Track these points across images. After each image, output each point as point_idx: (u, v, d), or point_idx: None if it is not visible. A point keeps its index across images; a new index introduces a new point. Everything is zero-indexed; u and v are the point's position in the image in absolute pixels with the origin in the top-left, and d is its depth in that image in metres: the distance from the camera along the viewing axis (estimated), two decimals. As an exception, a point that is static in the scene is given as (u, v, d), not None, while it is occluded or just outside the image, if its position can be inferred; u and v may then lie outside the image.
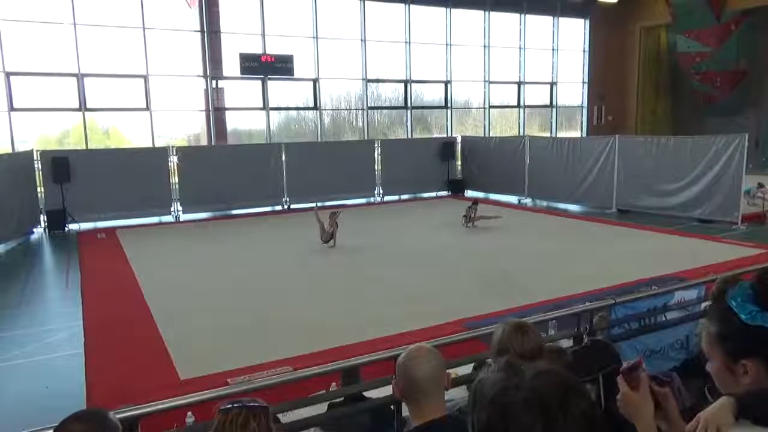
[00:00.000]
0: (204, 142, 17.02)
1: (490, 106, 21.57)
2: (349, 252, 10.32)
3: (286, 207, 15.57)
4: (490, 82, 21.20)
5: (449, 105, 20.59)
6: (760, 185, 13.53)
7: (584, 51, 23.32)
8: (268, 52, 16.83)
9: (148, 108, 15.68)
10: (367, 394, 3.52)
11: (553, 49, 22.56)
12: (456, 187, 17.85)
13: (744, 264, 7.53)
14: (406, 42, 19.20)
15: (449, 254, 9.98)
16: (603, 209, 14.09)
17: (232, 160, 14.80)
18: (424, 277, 8.59)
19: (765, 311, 1.37)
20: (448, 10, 19.76)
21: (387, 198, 17.09)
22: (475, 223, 12.03)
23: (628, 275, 7.86)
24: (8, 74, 13.87)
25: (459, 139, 18.77)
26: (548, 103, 23.12)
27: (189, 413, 3.64)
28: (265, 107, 17.42)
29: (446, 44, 20.02)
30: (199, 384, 4.75)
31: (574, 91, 23.72)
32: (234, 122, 17.65)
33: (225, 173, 14.47)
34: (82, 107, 14.93)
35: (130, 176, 13.46)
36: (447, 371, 2.03)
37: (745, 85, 21.21)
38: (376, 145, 17.24)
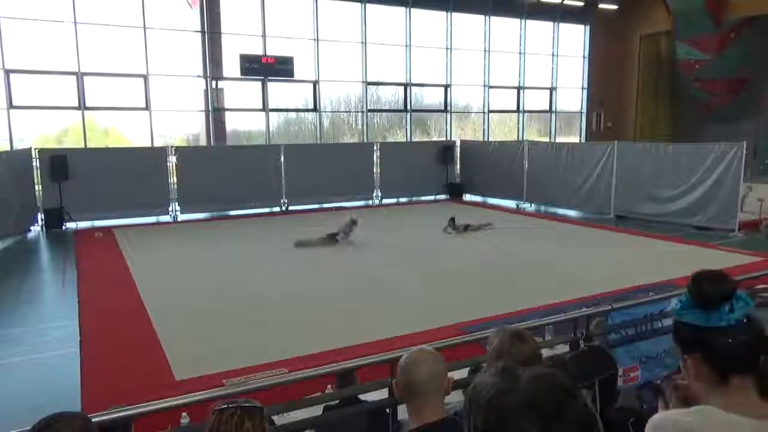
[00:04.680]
0: (203, 142, 17.02)
1: (490, 111, 21.60)
2: (346, 254, 10.32)
3: (284, 209, 15.56)
4: (490, 87, 21.24)
5: (449, 109, 20.61)
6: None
7: (584, 57, 23.38)
8: (268, 53, 16.85)
9: (147, 108, 15.68)
10: (363, 396, 3.52)
11: (552, 55, 22.61)
12: (455, 191, 17.85)
13: (740, 272, 7.52)
14: (406, 45, 19.24)
15: (447, 258, 9.98)
16: (601, 215, 14.10)
17: (230, 161, 14.79)
18: (422, 280, 8.58)
19: (694, 309, 1.43)
20: (449, 14, 19.80)
21: (385, 201, 17.09)
22: (469, 231, 12.09)
23: (625, 281, 7.86)
24: (8, 72, 13.87)
25: (458, 143, 18.79)
26: (548, 108, 23.16)
27: (184, 414, 3.62)
28: (265, 108, 17.43)
29: (446, 48, 20.06)
30: (195, 384, 4.74)
31: (573, 97, 23.78)
32: (233, 123, 17.66)
33: (223, 174, 14.46)
34: (82, 106, 14.92)
35: (128, 176, 13.44)
36: (448, 376, 2.04)
37: (745, 93, 21.27)
38: (375, 148, 17.25)
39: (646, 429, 1.40)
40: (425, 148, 18.14)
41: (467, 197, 17.83)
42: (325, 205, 15.68)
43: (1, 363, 5.75)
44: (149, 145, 15.60)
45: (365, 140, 18.77)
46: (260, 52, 16.78)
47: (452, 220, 12.27)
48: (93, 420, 2.14)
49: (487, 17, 20.57)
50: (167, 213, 14.37)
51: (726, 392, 1.39)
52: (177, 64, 16.21)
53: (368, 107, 19.11)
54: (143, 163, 13.89)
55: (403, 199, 17.44)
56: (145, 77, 15.52)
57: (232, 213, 14.97)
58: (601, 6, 21.98)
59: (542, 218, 14.62)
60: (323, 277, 8.87)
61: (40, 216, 13.06)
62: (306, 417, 3.17)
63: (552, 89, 22.92)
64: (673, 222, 12.62)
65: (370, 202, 16.96)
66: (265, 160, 15.31)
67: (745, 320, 1.41)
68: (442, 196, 17.73)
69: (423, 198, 17.59)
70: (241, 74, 16.52)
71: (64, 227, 12.87)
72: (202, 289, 8.07)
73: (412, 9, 19.06)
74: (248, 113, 17.77)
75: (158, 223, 13.99)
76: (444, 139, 19.98)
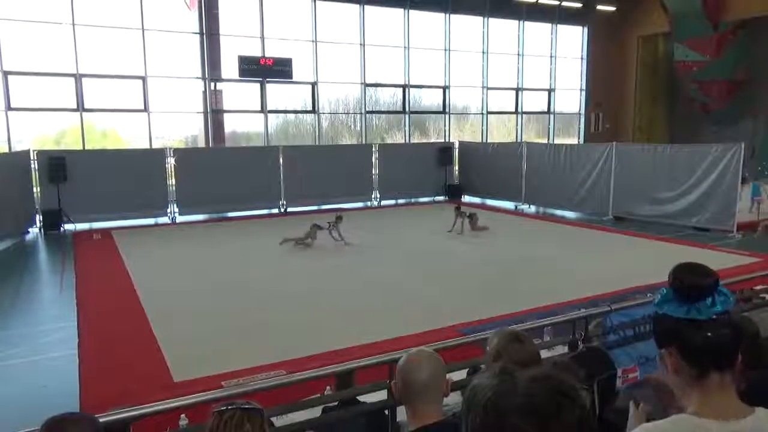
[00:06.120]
0: (202, 144, 17.01)
1: (488, 112, 21.62)
2: (344, 255, 10.32)
3: (282, 210, 15.55)
4: (488, 88, 21.25)
5: (447, 110, 20.62)
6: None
7: (582, 58, 23.41)
8: (267, 54, 16.84)
9: (146, 109, 15.67)
10: (362, 398, 3.52)
11: (551, 56, 22.63)
12: (453, 192, 17.85)
13: (738, 273, 7.54)
14: (405, 47, 19.24)
15: (445, 260, 9.98)
16: (599, 216, 14.11)
17: (229, 163, 14.78)
18: (420, 281, 8.59)
19: (674, 301, 1.41)
20: (447, 15, 19.82)
21: (384, 202, 17.09)
22: (467, 228, 12.11)
23: (624, 282, 7.87)
24: (6, 73, 13.85)
25: (456, 145, 18.80)
26: (546, 109, 23.18)
27: (182, 416, 3.62)
28: (264, 110, 17.42)
29: (445, 50, 20.07)
30: (193, 386, 4.74)
31: (571, 98, 23.80)
32: (232, 125, 17.66)
33: (222, 176, 14.45)
34: (80, 108, 14.90)
35: (127, 177, 13.43)
36: (447, 378, 2.03)
37: (742, 95, 21.31)
38: (373, 149, 17.25)
39: None
40: (424, 149, 18.15)
41: (466, 198, 17.83)
42: (324, 207, 15.68)
43: (0, 365, 5.74)
44: (148, 146, 15.59)
45: (364, 141, 18.76)
46: (259, 54, 16.78)
47: (458, 208, 12.50)
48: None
49: (486, 19, 20.59)
50: (166, 215, 14.36)
51: (703, 389, 1.36)
52: (175, 65, 16.20)
53: (367, 109, 19.12)
54: (142, 165, 13.88)
55: (401, 201, 17.44)
56: (144, 79, 15.51)
57: (231, 214, 14.95)
58: (600, 7, 22.02)
59: (541, 219, 14.63)
60: (322, 278, 8.86)
61: (38, 218, 13.04)
62: (305, 418, 3.17)
63: (550, 90, 22.94)
64: (671, 223, 12.63)
65: (369, 203, 16.96)
66: (263, 162, 15.30)
67: (725, 315, 1.38)
68: (441, 198, 17.73)
69: (422, 199, 17.59)
70: (240, 76, 16.52)
71: (62, 229, 12.85)
72: (201, 291, 8.07)
73: (410, 11, 19.08)
74: (247, 115, 17.76)
75: (157, 225, 13.97)
76: (442, 140, 19.99)
